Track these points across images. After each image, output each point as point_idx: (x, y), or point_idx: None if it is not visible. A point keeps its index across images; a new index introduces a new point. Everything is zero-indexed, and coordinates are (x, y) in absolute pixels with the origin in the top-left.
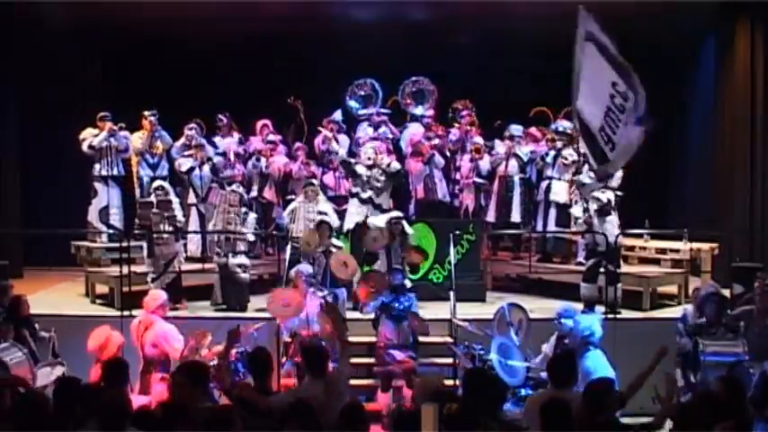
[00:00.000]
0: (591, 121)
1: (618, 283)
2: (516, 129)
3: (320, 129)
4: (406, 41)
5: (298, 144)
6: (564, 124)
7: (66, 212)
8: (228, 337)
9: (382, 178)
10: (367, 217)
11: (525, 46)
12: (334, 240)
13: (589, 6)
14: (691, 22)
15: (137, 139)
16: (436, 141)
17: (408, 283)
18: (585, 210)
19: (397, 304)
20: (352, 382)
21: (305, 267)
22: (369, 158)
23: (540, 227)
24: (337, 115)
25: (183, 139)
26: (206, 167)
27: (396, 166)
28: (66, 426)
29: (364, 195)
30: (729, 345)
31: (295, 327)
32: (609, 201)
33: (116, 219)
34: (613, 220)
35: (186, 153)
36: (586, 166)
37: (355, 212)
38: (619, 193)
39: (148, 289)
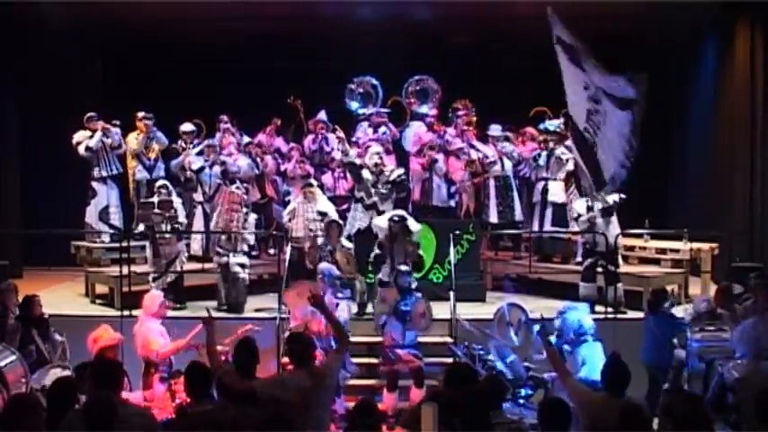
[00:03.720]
0: (579, 123)
1: (618, 283)
2: (495, 129)
3: (326, 132)
4: (406, 41)
5: (291, 144)
6: (553, 123)
7: (66, 212)
8: (205, 324)
9: (387, 187)
10: (371, 221)
11: (525, 46)
12: (344, 241)
13: (590, 7)
14: (691, 22)
15: (132, 140)
16: (438, 142)
17: (414, 284)
18: (590, 208)
19: (402, 306)
20: (354, 381)
21: (329, 268)
22: (375, 164)
23: (536, 227)
24: (322, 115)
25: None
26: (216, 168)
27: (398, 173)
28: (59, 426)
29: (368, 201)
30: (717, 332)
31: (307, 316)
32: (615, 202)
33: (116, 218)
34: (615, 221)
35: (193, 151)
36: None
37: (359, 218)
38: (623, 195)
39: (149, 289)
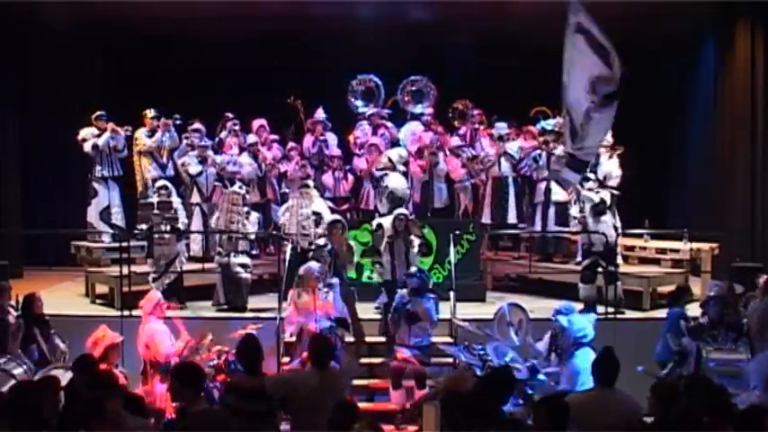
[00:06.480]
0: (577, 114)
1: (617, 282)
2: (501, 127)
3: (325, 132)
4: (406, 41)
5: (291, 144)
6: (549, 122)
7: (67, 212)
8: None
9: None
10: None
11: (525, 46)
12: (350, 240)
13: (590, 7)
14: (691, 22)
15: (142, 138)
16: (437, 142)
17: (431, 283)
18: (581, 210)
19: (410, 306)
20: (355, 381)
21: (314, 265)
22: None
23: (539, 227)
24: (320, 114)
25: (186, 142)
26: (212, 169)
27: (395, 188)
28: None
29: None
30: (732, 352)
31: (302, 322)
32: (603, 200)
33: (118, 218)
34: (608, 220)
35: (191, 153)
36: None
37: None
38: (616, 192)
39: (149, 289)
